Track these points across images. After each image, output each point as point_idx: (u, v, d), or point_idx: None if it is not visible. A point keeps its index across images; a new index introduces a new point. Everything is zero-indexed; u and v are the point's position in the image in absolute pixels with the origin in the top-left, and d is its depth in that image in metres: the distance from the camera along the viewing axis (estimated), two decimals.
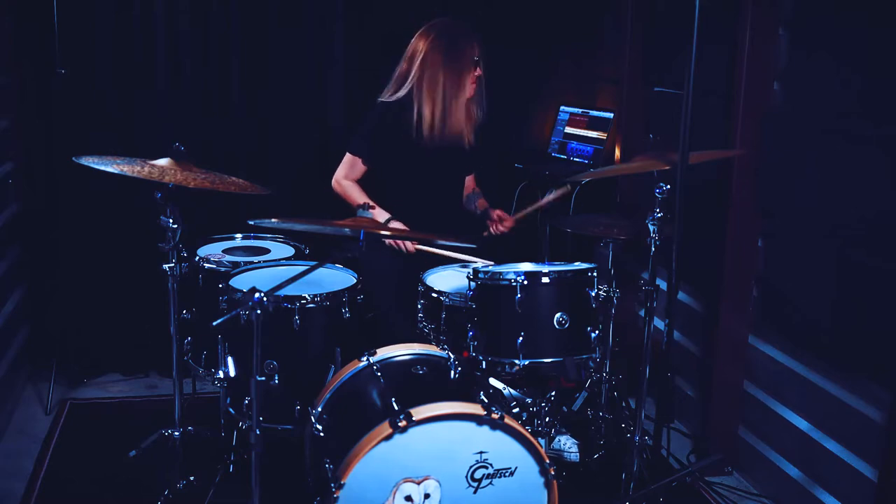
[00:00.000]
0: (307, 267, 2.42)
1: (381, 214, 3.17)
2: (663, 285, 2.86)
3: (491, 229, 3.37)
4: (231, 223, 3.44)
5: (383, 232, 2.45)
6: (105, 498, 2.97)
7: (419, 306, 2.98)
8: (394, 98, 3.23)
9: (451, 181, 3.39)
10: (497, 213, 3.36)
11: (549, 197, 3.27)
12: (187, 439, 2.84)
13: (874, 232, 2.62)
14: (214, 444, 3.05)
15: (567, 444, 3.12)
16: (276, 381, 2.69)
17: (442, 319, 2.86)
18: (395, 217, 3.15)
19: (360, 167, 3.34)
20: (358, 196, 3.26)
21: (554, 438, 3.12)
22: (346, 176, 3.35)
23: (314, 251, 3.27)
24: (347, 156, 3.35)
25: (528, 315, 2.61)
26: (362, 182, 3.36)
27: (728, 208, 3.17)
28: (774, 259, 3.10)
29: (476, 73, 3.21)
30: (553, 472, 2.31)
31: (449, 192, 3.39)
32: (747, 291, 3.21)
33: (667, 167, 2.65)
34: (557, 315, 2.61)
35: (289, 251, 3.30)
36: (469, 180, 3.51)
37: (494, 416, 2.22)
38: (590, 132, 4.16)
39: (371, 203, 3.15)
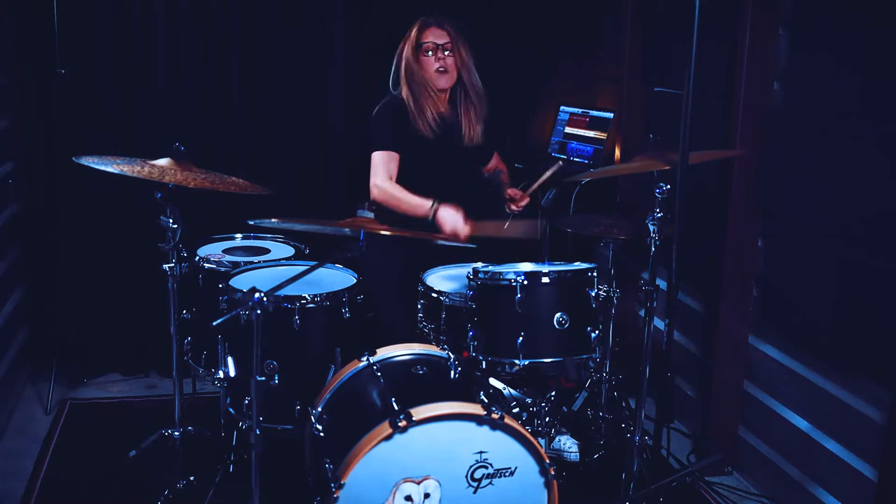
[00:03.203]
0: (307, 267, 2.42)
1: (424, 203, 3.08)
2: (663, 285, 2.86)
3: (509, 211, 3.30)
4: (231, 223, 3.44)
5: (383, 232, 2.44)
6: (105, 498, 2.97)
7: (419, 306, 2.98)
8: (395, 92, 3.27)
9: (457, 172, 3.32)
10: (509, 193, 3.31)
11: (548, 173, 3.26)
12: (187, 439, 2.84)
13: (874, 232, 2.62)
14: (214, 444, 3.05)
15: (567, 444, 3.12)
16: (276, 381, 2.69)
17: (442, 319, 2.86)
18: (441, 202, 3.06)
19: (394, 164, 3.18)
20: (401, 195, 3.10)
21: (554, 438, 3.12)
22: (383, 178, 3.14)
23: (314, 251, 3.27)
24: (377, 156, 3.16)
25: (528, 315, 2.61)
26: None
27: (728, 208, 3.17)
28: (774, 259, 3.10)
29: (433, 54, 3.19)
30: (553, 472, 2.31)
31: (457, 183, 3.34)
32: (747, 291, 3.21)
33: (667, 167, 2.65)
34: (557, 315, 2.61)
35: (289, 251, 3.30)
36: (493, 159, 3.51)
37: (494, 416, 2.22)
38: (590, 132, 4.16)
39: (417, 202, 3.07)
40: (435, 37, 3.20)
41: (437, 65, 3.20)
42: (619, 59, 4.02)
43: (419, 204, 3.06)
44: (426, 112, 3.20)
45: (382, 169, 3.15)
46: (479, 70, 3.31)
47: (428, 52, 3.19)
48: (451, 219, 3.01)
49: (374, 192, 3.13)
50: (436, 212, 3.04)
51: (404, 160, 3.23)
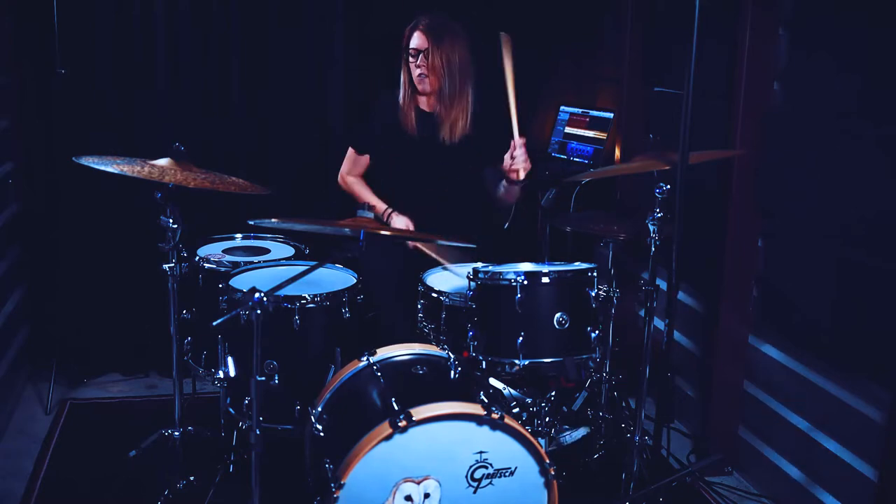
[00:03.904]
0: (307, 267, 2.42)
1: (379, 207, 3.30)
2: (663, 285, 2.86)
3: (515, 176, 3.07)
4: (231, 223, 3.44)
5: (384, 232, 2.44)
6: (105, 498, 2.97)
7: (419, 306, 2.98)
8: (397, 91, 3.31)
9: (440, 171, 3.31)
10: (505, 163, 3.08)
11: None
12: (187, 439, 2.85)
13: (874, 232, 2.62)
14: (214, 444, 3.05)
15: (564, 431, 3.10)
16: (276, 381, 2.69)
17: (442, 319, 2.86)
18: (394, 210, 3.26)
19: (362, 161, 3.43)
20: (361, 191, 3.39)
21: (554, 438, 3.11)
22: (350, 171, 3.45)
23: (314, 251, 3.27)
24: (350, 153, 3.45)
25: (528, 315, 2.61)
26: (367, 177, 3.42)
27: (728, 208, 3.17)
28: (774, 259, 3.10)
29: (411, 61, 3.22)
30: (553, 472, 2.31)
31: (439, 182, 3.34)
32: (747, 291, 3.21)
33: (667, 167, 2.65)
34: (557, 315, 2.61)
35: (289, 251, 3.30)
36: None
37: (494, 416, 2.22)
38: (590, 132, 4.16)
39: (371, 203, 3.20)
40: (416, 42, 3.21)
41: (417, 70, 3.22)
42: (619, 59, 4.02)
43: (374, 205, 3.30)
44: (410, 112, 3.28)
45: (349, 165, 3.47)
46: (479, 70, 3.30)
47: (410, 56, 3.21)
48: (399, 225, 3.23)
49: (340, 181, 3.49)
50: (388, 217, 3.27)
51: (392, 157, 3.33)
